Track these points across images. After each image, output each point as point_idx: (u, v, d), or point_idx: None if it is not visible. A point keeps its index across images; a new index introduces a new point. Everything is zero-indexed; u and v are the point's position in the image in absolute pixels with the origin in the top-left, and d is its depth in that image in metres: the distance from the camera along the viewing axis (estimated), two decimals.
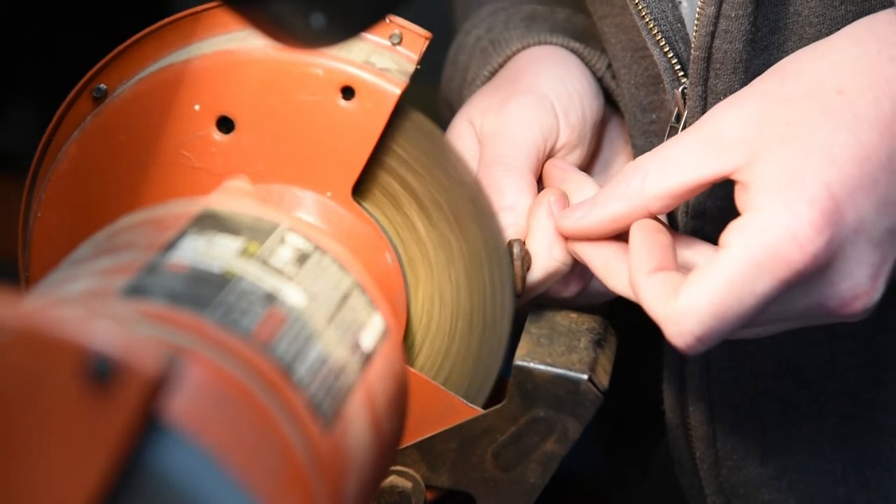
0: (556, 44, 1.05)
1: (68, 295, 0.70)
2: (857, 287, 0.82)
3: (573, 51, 1.05)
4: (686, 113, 0.95)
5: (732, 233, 0.82)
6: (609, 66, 1.05)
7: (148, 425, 0.58)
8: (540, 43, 1.05)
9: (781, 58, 0.89)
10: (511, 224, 0.93)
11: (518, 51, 1.05)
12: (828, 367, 1.01)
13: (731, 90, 0.92)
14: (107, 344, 0.55)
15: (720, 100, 0.91)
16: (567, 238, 0.92)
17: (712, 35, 0.92)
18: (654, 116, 1.01)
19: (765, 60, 0.92)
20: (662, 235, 0.86)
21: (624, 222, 0.88)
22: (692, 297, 0.81)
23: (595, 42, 1.06)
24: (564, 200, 0.93)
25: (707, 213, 0.95)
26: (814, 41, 0.90)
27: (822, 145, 0.81)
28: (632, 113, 1.02)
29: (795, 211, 0.80)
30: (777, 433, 1.02)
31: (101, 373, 0.55)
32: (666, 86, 0.96)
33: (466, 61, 1.09)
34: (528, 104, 0.99)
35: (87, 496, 0.56)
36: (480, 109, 1.00)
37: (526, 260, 0.92)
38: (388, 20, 0.91)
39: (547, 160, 0.99)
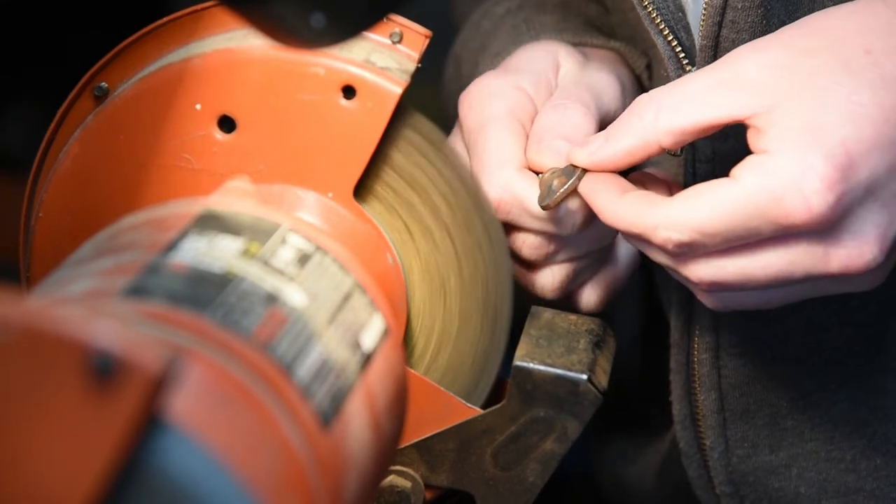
0: (596, 45, 1.05)
1: (70, 295, 0.70)
2: (863, 246, 0.82)
3: (614, 49, 1.05)
4: None
5: (743, 168, 0.82)
6: (648, 65, 1.05)
7: (149, 423, 0.58)
8: (580, 44, 1.05)
9: None
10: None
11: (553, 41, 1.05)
12: (837, 354, 1.01)
13: None
14: (109, 342, 0.55)
15: None
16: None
17: (719, 25, 0.92)
18: None
19: None
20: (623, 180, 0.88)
21: (636, 156, 0.87)
22: (685, 207, 0.82)
23: (628, 40, 1.06)
24: None
25: (716, 158, 0.96)
26: None
27: (843, 101, 0.81)
28: None
29: (809, 162, 0.80)
30: (787, 421, 1.02)
31: (103, 371, 0.55)
32: (670, 74, 0.96)
33: (491, 30, 1.09)
34: (608, 69, 1.00)
35: (88, 493, 0.56)
36: (572, 55, 1.01)
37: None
38: (388, 19, 0.91)
39: None
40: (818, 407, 1.02)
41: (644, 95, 0.87)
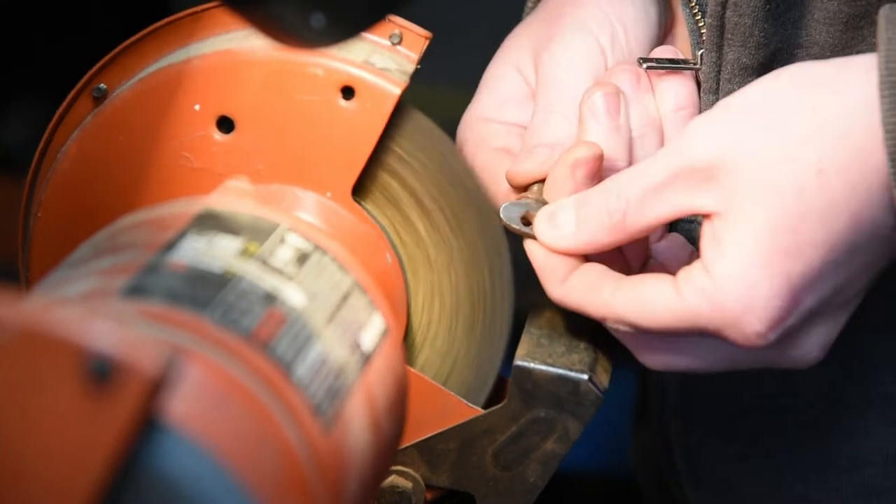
0: None
1: (68, 295, 0.70)
2: (807, 355, 0.84)
3: None
4: (701, 78, 0.95)
5: (688, 282, 0.82)
6: None
7: (147, 425, 0.58)
8: None
9: (800, 34, 0.88)
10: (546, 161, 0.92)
11: None
12: None
13: (739, 62, 0.92)
14: (106, 344, 0.55)
15: (732, 68, 0.92)
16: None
17: (723, 6, 0.92)
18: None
19: (783, 36, 0.92)
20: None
21: (602, 248, 0.87)
22: (628, 303, 0.83)
23: None
24: (594, 163, 0.90)
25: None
26: (834, 19, 0.89)
27: (793, 230, 0.80)
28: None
29: (753, 301, 0.80)
30: (745, 418, 1.02)
31: (100, 373, 0.55)
32: (691, 47, 0.96)
33: None
34: (575, 46, 0.96)
35: (86, 496, 0.56)
36: (527, 53, 0.98)
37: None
38: (388, 20, 0.91)
39: None
40: (777, 411, 1.02)
41: (610, 181, 0.86)
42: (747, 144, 0.82)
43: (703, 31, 0.95)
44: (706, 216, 0.82)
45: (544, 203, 0.89)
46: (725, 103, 0.84)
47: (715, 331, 0.81)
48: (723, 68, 0.93)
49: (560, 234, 0.88)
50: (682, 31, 1.02)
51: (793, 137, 0.81)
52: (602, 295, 0.85)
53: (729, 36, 0.92)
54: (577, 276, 0.87)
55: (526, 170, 0.92)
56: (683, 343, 0.85)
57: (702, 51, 0.95)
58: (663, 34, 1.01)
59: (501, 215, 0.90)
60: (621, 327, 0.85)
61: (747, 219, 0.81)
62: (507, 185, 0.93)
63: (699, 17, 0.96)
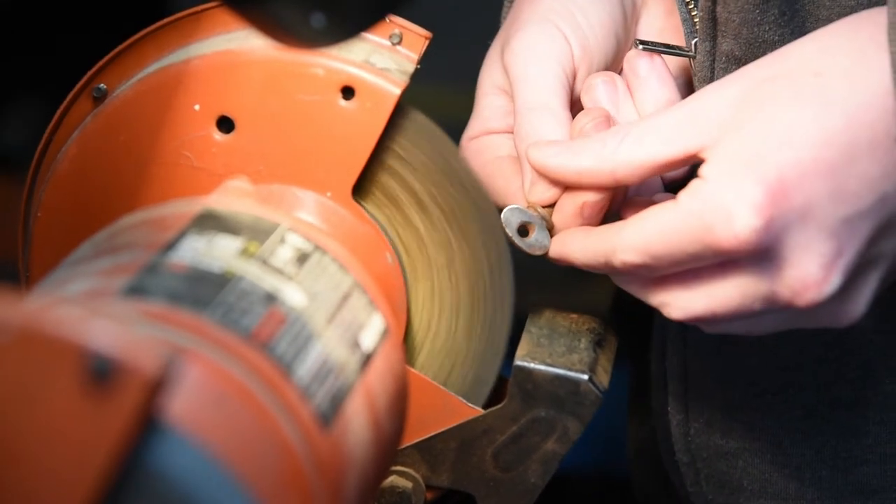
0: None
1: (68, 295, 0.70)
2: (806, 277, 0.80)
3: None
4: (695, 67, 0.95)
5: (684, 192, 0.82)
6: None
7: (147, 425, 0.58)
8: None
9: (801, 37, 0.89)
10: None
11: None
12: (800, 356, 1.00)
13: (732, 55, 0.92)
14: (106, 344, 0.55)
15: (727, 59, 0.92)
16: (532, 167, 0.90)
17: (714, 1, 0.92)
18: None
19: (785, 39, 0.92)
20: None
21: (585, 180, 0.87)
22: (635, 228, 0.82)
23: None
24: (602, 204, 0.90)
25: None
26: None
27: (784, 126, 0.80)
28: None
29: (737, 188, 0.79)
30: (741, 413, 1.02)
31: (100, 373, 0.55)
32: (684, 36, 0.96)
33: None
34: (536, 37, 0.95)
35: (86, 496, 0.56)
36: (497, 64, 0.98)
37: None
38: (388, 20, 0.91)
39: (576, 79, 0.97)
40: (772, 409, 1.01)
41: (618, 125, 0.87)
42: (752, 82, 0.83)
43: (695, 20, 0.96)
44: (700, 158, 0.82)
45: (547, 218, 0.90)
46: (737, 72, 0.85)
47: (708, 232, 0.80)
48: (717, 58, 0.94)
49: (549, 153, 0.88)
50: (646, 20, 1.01)
51: (794, 60, 0.83)
52: (615, 226, 0.84)
53: (722, 28, 0.93)
54: (597, 228, 0.87)
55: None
56: (698, 289, 0.83)
57: (696, 40, 0.95)
58: (629, 25, 1.01)
59: (502, 217, 0.90)
60: (628, 258, 0.83)
61: (740, 129, 0.81)
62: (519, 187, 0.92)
63: (692, 6, 0.96)
